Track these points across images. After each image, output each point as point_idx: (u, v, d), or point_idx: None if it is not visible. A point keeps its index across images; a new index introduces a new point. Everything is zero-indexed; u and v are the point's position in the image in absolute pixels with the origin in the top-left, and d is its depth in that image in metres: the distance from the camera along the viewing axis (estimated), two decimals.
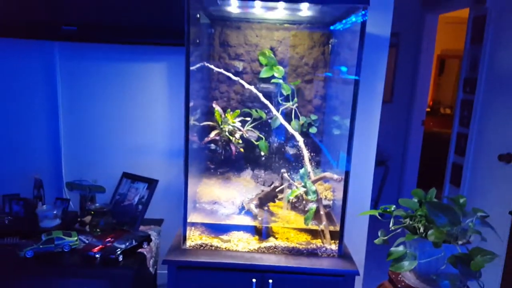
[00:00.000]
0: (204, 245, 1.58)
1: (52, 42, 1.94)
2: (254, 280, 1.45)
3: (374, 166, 3.62)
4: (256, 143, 1.88)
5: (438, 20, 3.94)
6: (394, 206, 1.53)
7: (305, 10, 1.61)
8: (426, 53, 3.92)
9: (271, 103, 1.83)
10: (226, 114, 1.79)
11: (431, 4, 3.82)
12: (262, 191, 1.75)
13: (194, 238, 1.61)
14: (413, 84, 3.97)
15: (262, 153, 1.90)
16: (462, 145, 2.96)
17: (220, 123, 1.79)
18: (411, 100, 3.99)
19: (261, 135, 1.89)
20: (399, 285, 1.45)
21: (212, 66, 1.79)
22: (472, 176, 2.78)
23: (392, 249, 1.41)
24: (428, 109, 6.00)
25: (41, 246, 1.65)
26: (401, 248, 1.40)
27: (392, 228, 1.48)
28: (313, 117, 1.92)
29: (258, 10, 1.67)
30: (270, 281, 1.45)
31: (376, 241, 1.53)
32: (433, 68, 6.06)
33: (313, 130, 1.92)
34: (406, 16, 3.90)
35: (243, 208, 1.70)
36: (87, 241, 1.74)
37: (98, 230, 1.84)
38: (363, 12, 1.39)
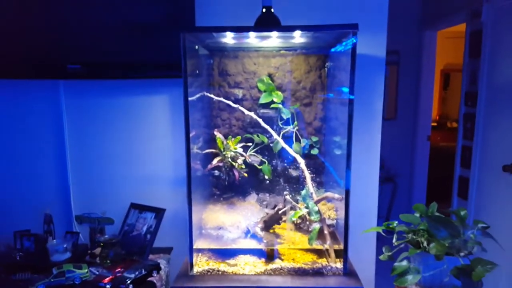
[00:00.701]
0: (211, 271, 1.60)
1: (57, 81, 2.03)
2: None
3: (382, 183, 3.62)
4: (259, 167, 1.92)
5: (437, 36, 4.02)
6: (396, 222, 1.54)
7: (299, 37, 1.68)
8: (427, 69, 3.98)
9: (272, 127, 1.88)
10: (228, 141, 1.84)
11: (429, 21, 3.90)
12: (267, 214, 1.77)
13: (201, 264, 1.63)
14: (416, 100, 4.01)
15: (266, 177, 1.94)
16: (467, 158, 2.96)
17: (222, 149, 1.84)
18: (415, 116, 4.02)
19: (264, 159, 1.93)
20: None
21: (212, 95, 1.86)
22: (478, 188, 2.77)
23: (396, 264, 1.42)
24: (435, 124, 6.00)
25: (52, 280, 1.68)
26: (404, 262, 1.41)
27: (395, 243, 1.49)
28: (314, 138, 1.96)
29: (253, 40, 1.75)
30: None
31: (381, 257, 1.54)
32: (438, 82, 6.11)
33: (314, 151, 1.95)
34: (405, 34, 3.99)
35: (248, 231, 1.72)
36: (97, 273, 1.77)
37: (108, 261, 1.87)
38: (353, 37, 1.45)
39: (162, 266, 1.85)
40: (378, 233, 1.71)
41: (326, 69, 1.93)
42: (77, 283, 1.71)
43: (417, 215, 1.54)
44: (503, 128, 2.51)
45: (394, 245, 1.51)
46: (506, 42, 2.52)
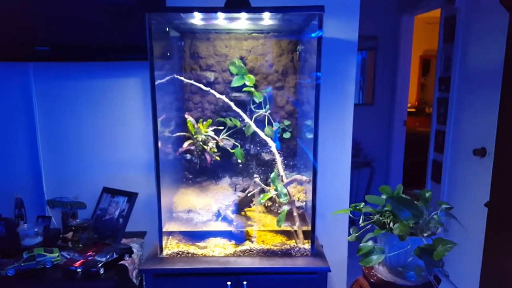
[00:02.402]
0: (181, 253, 1.61)
1: (26, 63, 1.98)
2: (229, 283, 1.48)
3: (360, 168, 3.67)
4: (231, 151, 1.92)
5: (414, 21, 4.04)
6: (363, 204, 1.57)
7: (269, 19, 1.67)
8: (404, 54, 4.01)
9: (245, 111, 1.88)
10: (199, 124, 1.83)
11: (406, 6, 3.92)
12: (239, 197, 1.78)
13: (171, 246, 1.64)
14: (393, 85, 4.05)
15: (239, 161, 1.94)
16: (440, 143, 3.02)
17: (193, 133, 1.83)
18: (392, 102, 4.07)
19: (236, 143, 1.94)
20: (372, 279, 1.49)
21: (182, 78, 1.84)
22: (451, 172, 2.84)
23: (362, 244, 1.46)
24: (414, 110, 6.09)
25: (22, 264, 1.67)
26: (370, 243, 1.44)
27: (362, 224, 1.52)
28: (286, 122, 1.97)
29: (224, 21, 1.73)
30: (245, 282, 1.49)
31: (348, 238, 1.58)
32: (417, 68, 6.17)
33: (286, 135, 1.97)
34: (383, 19, 4.01)
35: (219, 214, 1.74)
36: (69, 257, 1.76)
37: (80, 245, 1.86)
38: (319, 25, 1.45)
39: (134, 250, 1.85)
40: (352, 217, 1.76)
41: (298, 52, 1.93)
42: (48, 267, 1.71)
43: (384, 196, 1.58)
44: (473, 112, 2.56)
45: (360, 226, 1.54)
46: (478, 27, 2.56)
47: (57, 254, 1.74)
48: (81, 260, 1.69)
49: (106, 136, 2.09)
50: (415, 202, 1.38)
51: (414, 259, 1.34)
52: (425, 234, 1.39)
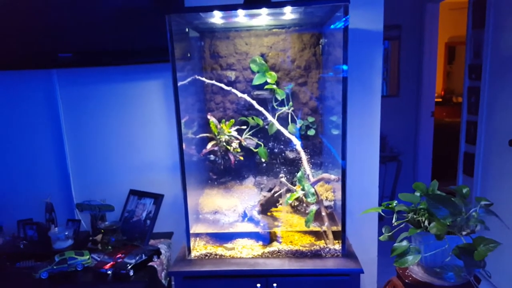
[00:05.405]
0: (208, 255, 1.59)
1: (50, 70, 2.01)
2: (258, 285, 1.46)
3: (386, 162, 3.57)
4: (255, 150, 1.89)
5: (439, 8, 3.89)
6: (396, 202, 1.51)
7: (290, 13, 1.62)
8: (429, 43, 3.86)
9: (267, 109, 1.85)
10: (221, 125, 1.81)
11: None
12: (264, 196, 1.75)
13: (199, 248, 1.63)
14: (419, 75, 3.92)
15: (263, 160, 1.91)
16: (472, 134, 2.89)
17: (216, 133, 1.81)
18: (419, 92, 3.93)
19: (259, 142, 1.91)
20: (406, 280, 1.43)
21: (203, 78, 1.82)
22: (484, 164, 2.71)
23: (396, 244, 1.40)
24: (440, 99, 5.89)
25: (54, 267, 1.70)
26: (404, 243, 1.38)
27: (395, 223, 1.46)
28: (310, 119, 1.92)
29: (244, 18, 1.70)
30: (275, 285, 1.46)
31: (381, 238, 1.52)
32: (442, 56, 5.96)
33: (311, 132, 1.92)
34: (406, 7, 3.87)
35: (245, 215, 1.71)
36: (99, 259, 1.78)
37: (109, 247, 1.88)
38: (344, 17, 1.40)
39: (162, 251, 1.85)
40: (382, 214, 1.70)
41: (320, 46, 1.87)
42: (79, 269, 1.73)
43: (418, 194, 1.51)
44: (508, 101, 2.43)
45: (393, 225, 1.48)
46: (511, 11, 2.42)
47: (88, 256, 1.76)
48: (111, 263, 1.71)
49: (130, 139, 2.10)
50: (452, 199, 1.31)
51: (452, 259, 1.27)
52: (463, 233, 1.32)
